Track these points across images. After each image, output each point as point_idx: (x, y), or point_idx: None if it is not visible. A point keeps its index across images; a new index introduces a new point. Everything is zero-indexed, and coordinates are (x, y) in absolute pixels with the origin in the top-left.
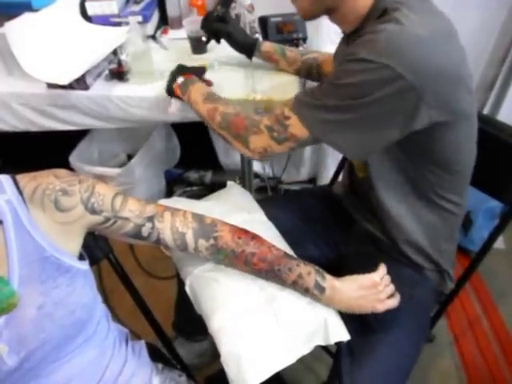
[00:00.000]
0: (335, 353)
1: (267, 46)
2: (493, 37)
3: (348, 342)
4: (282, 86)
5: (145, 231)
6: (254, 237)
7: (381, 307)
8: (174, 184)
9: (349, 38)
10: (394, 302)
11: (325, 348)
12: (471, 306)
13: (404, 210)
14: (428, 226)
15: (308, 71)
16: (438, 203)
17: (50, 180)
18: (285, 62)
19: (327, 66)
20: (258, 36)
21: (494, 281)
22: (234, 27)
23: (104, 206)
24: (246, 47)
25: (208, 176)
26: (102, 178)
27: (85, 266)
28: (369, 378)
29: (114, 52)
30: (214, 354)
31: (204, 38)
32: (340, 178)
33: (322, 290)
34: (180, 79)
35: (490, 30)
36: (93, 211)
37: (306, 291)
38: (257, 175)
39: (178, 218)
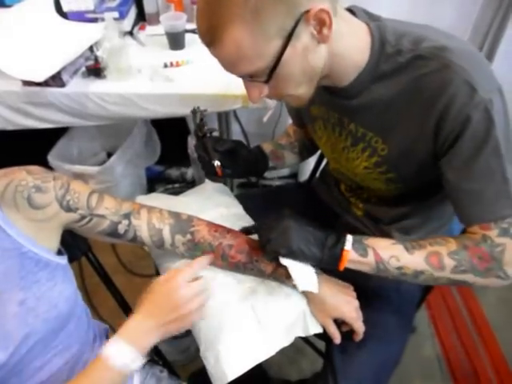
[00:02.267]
0: (326, 348)
1: (266, 145)
2: (467, 32)
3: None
4: None
5: (121, 228)
6: (230, 231)
7: (354, 314)
8: (155, 181)
9: (342, 91)
10: (362, 326)
11: (308, 342)
12: (452, 297)
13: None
14: (416, 215)
15: (305, 146)
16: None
17: (22, 176)
18: (288, 152)
19: (307, 133)
20: None
21: None
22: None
23: (79, 204)
24: (259, 157)
25: (189, 173)
26: (81, 177)
27: (63, 260)
28: (361, 370)
29: (91, 49)
30: (198, 349)
31: (218, 163)
32: (318, 173)
33: None
34: (348, 241)
35: (464, 26)
36: (68, 209)
37: (286, 278)
38: None
39: (154, 215)
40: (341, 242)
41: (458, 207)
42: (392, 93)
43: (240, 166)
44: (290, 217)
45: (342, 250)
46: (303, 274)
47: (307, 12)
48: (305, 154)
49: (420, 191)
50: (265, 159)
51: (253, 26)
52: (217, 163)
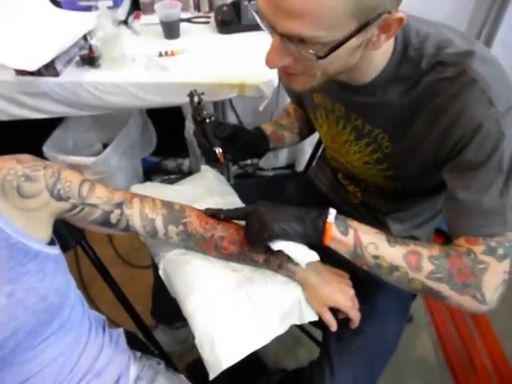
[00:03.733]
0: (322, 337)
1: (266, 127)
2: (463, 24)
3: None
4: (254, 70)
5: (113, 218)
6: (220, 222)
7: (350, 303)
8: (151, 172)
9: (356, 88)
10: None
11: (305, 331)
12: None
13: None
14: (414, 208)
15: (305, 124)
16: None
17: (11, 165)
18: (288, 132)
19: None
20: None
21: None
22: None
23: (71, 193)
24: (260, 139)
25: (186, 164)
26: (76, 168)
27: (55, 250)
28: (357, 357)
29: (85, 38)
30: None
31: (219, 150)
32: (314, 162)
33: (295, 263)
34: (331, 214)
35: (460, 18)
36: (59, 198)
37: (279, 267)
38: (235, 162)
39: (147, 205)
40: (323, 214)
41: (449, 217)
42: (408, 96)
43: (241, 150)
44: (261, 204)
45: (325, 222)
46: (299, 250)
47: (389, 12)
48: (305, 132)
49: (419, 190)
50: (266, 141)
51: None
52: (218, 150)
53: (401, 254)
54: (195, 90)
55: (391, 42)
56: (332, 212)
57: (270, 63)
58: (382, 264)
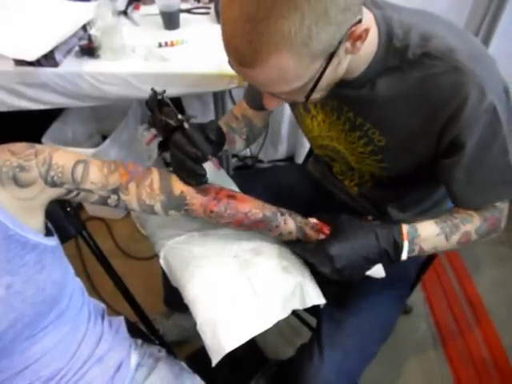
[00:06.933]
0: (316, 323)
1: (222, 125)
2: (463, 17)
3: (328, 308)
4: None
5: (111, 202)
6: (227, 205)
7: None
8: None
9: (345, 82)
10: None
11: (304, 322)
12: (447, 277)
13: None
14: (412, 195)
15: (251, 131)
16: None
17: (5, 157)
18: (238, 137)
19: (255, 117)
20: None
21: (469, 254)
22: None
23: (64, 178)
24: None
25: None
26: None
27: (52, 242)
28: (348, 339)
29: (84, 28)
30: (195, 329)
31: (212, 158)
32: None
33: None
34: (404, 249)
35: (460, 10)
36: (53, 184)
37: (289, 233)
38: (234, 154)
39: (143, 191)
40: (398, 248)
41: (466, 196)
42: (397, 88)
43: (216, 147)
44: (339, 247)
45: (400, 259)
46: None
47: (352, 32)
48: (250, 139)
49: (413, 179)
50: (224, 135)
51: (301, 51)
52: (211, 157)
53: (455, 242)
54: (154, 91)
55: (375, 35)
56: (405, 247)
57: (269, 107)
58: (437, 251)
